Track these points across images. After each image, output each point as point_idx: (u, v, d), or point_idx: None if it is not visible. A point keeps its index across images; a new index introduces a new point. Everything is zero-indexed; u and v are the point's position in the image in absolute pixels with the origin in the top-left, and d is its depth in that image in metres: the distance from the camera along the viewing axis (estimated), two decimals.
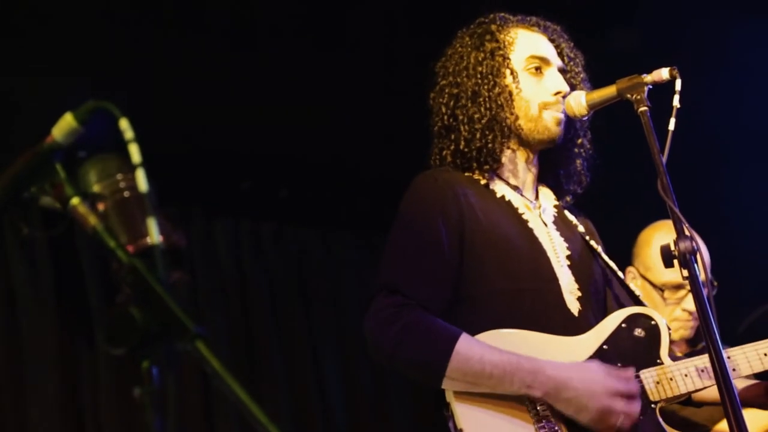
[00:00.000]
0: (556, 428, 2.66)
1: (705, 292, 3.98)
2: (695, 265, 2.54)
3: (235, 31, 4.73)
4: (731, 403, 2.44)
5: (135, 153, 1.76)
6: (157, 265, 1.74)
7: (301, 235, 5.66)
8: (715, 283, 3.99)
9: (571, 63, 3.07)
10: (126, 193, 1.85)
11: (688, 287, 3.86)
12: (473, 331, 2.71)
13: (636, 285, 4.02)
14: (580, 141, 3.07)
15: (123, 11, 4.43)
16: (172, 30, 4.55)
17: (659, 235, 3.94)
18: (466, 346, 2.64)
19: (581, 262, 2.97)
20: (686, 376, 2.79)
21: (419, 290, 2.73)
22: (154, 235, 1.75)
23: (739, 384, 2.98)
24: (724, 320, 2.98)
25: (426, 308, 2.71)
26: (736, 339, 3.04)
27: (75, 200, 1.80)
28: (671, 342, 3.91)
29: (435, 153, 3.02)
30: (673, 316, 3.93)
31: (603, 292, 3.03)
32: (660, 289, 3.95)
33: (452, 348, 2.63)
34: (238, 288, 5.38)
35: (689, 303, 3.85)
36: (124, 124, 1.78)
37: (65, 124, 1.83)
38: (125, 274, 1.71)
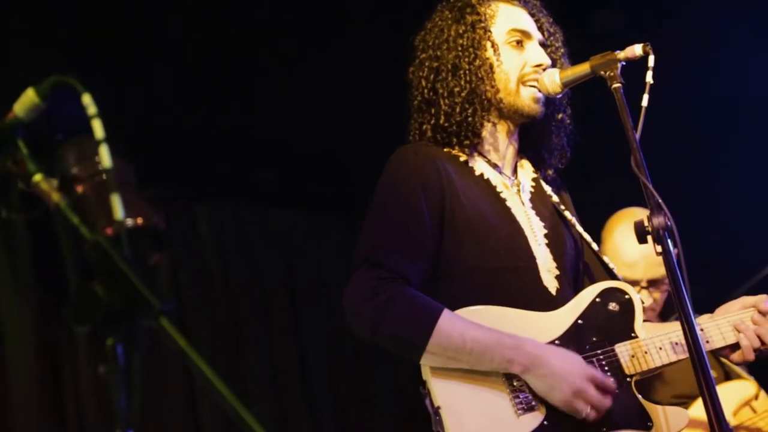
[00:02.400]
0: (533, 403, 2.67)
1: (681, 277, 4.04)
2: (669, 240, 2.54)
3: (218, 13, 4.70)
4: (705, 378, 2.45)
5: (98, 128, 1.74)
6: (123, 243, 1.72)
7: (285, 217, 5.64)
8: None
9: (551, 38, 3.07)
10: (105, 175, 1.83)
11: (642, 284, 3.94)
12: (452, 308, 2.71)
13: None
14: (560, 116, 3.06)
15: None
16: (156, 10, 4.52)
17: (621, 228, 3.98)
18: (448, 321, 2.65)
19: (558, 239, 2.97)
20: (660, 349, 2.80)
21: (400, 263, 2.72)
22: (118, 211, 1.72)
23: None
24: (703, 299, 2.99)
25: (407, 281, 2.71)
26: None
27: (37, 177, 1.78)
28: None
29: (415, 128, 3.00)
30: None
31: (579, 267, 3.04)
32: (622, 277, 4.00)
33: (434, 323, 2.63)
34: (221, 271, 5.36)
35: (643, 299, 3.90)
36: (86, 99, 1.75)
37: (27, 99, 1.81)
38: (89, 251, 1.69)
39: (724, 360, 4.00)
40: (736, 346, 2.89)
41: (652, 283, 4.07)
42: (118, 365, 1.66)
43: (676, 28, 5.27)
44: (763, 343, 2.84)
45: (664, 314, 3.95)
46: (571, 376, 2.64)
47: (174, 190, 5.20)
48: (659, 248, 2.55)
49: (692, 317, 2.48)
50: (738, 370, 4.05)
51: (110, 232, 1.79)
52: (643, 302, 2.89)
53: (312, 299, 5.59)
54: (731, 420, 3.87)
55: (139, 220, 1.86)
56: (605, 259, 3.05)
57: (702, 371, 2.45)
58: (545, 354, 2.66)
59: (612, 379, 2.72)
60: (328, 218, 5.78)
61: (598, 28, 4.99)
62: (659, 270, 4.03)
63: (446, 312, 2.66)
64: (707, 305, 3.12)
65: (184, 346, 1.61)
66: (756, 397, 3.96)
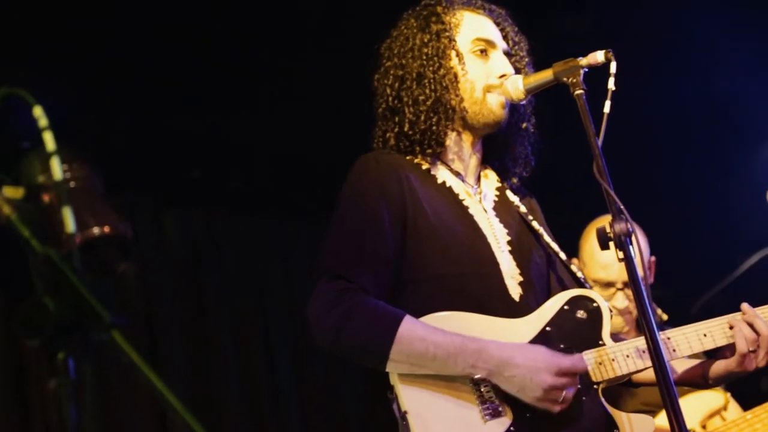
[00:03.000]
0: (500, 409, 2.67)
1: (649, 275, 4.07)
2: (631, 246, 2.55)
3: (188, 18, 4.68)
4: (666, 385, 2.47)
5: (49, 141, 1.72)
6: (74, 256, 1.70)
7: (254, 224, 5.63)
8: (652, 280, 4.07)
9: (516, 47, 3.08)
10: (72, 184, 1.84)
11: (617, 285, 3.97)
12: (416, 315, 2.70)
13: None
14: (524, 126, 3.07)
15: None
16: (126, 15, 4.50)
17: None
18: (410, 328, 2.64)
19: (522, 246, 2.98)
20: (628, 357, 2.80)
21: (361, 274, 2.72)
22: (69, 225, 1.71)
23: (682, 365, 3.02)
24: (673, 303, 3.02)
25: (368, 292, 2.70)
26: (690, 319, 3.06)
27: None
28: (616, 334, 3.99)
29: (378, 136, 3.00)
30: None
31: (546, 275, 3.04)
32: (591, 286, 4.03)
33: (395, 330, 2.63)
34: (191, 278, 5.35)
35: (618, 301, 3.94)
36: (38, 111, 1.74)
37: None
38: (39, 264, 1.68)
39: None
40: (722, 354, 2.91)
41: (628, 285, 4.08)
42: (69, 379, 1.64)
43: (645, 30, 5.30)
44: (756, 332, 2.82)
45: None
46: (538, 373, 2.64)
47: (142, 198, 5.19)
48: (621, 254, 2.55)
49: (654, 323, 2.49)
50: None
51: (77, 242, 1.78)
52: (611, 310, 2.90)
53: (282, 305, 5.58)
54: (699, 429, 3.91)
55: (107, 229, 1.86)
56: (573, 268, 3.05)
57: (663, 378, 2.46)
58: (510, 355, 2.65)
59: (576, 358, 2.72)
60: (297, 224, 5.77)
61: (564, 32, 5.02)
62: (641, 270, 4.04)
63: (407, 319, 2.65)
64: (677, 308, 3.13)
65: (135, 359, 1.59)
66: (725, 408, 3.99)
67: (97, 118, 4.78)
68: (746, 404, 3.99)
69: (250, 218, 5.62)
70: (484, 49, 2.99)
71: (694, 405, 3.97)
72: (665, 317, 4.19)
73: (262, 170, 5.50)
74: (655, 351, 2.48)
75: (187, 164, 5.32)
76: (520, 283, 2.89)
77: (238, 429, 5.24)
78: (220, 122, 5.08)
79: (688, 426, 3.80)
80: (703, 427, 3.94)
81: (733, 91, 5.65)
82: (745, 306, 2.88)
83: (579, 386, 2.72)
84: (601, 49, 2.81)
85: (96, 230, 1.79)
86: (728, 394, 4.04)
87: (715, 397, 4.01)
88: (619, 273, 4.02)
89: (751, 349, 2.82)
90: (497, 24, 3.06)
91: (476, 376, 2.66)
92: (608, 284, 3.98)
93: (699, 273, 5.96)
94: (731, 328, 2.86)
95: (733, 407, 4.02)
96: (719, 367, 2.91)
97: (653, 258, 4.25)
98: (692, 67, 5.48)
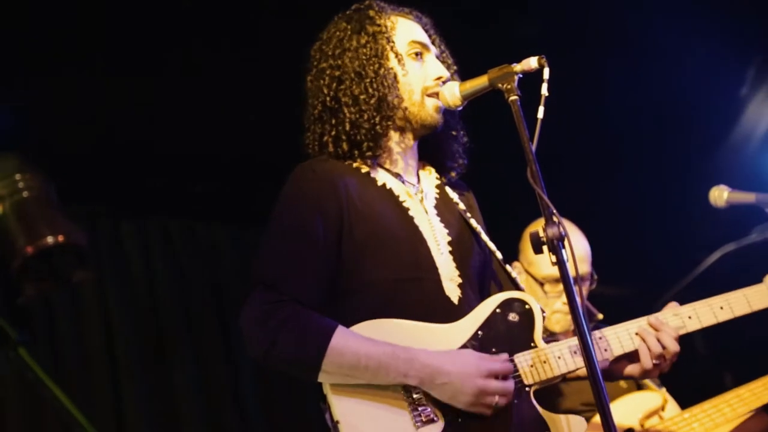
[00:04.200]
0: (432, 415, 2.69)
1: (586, 284, 4.11)
2: (563, 250, 2.57)
3: (135, 27, 4.64)
4: (597, 385, 2.49)
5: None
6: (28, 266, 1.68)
7: (212, 232, 5.59)
8: (596, 277, 4.10)
9: (444, 54, 3.13)
10: (25, 194, 1.82)
11: (560, 288, 4.01)
12: (353, 322, 2.73)
13: (521, 280, 4.14)
14: (454, 133, 3.12)
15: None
16: (80, 22, 4.45)
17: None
18: (341, 339, 2.66)
19: (462, 247, 3.00)
20: (559, 358, 2.83)
21: (294, 286, 2.73)
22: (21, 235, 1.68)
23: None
24: (634, 302, 3.03)
25: (302, 303, 2.71)
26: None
27: None
28: (557, 333, 4.02)
29: (313, 139, 3.00)
30: (554, 308, 4.04)
31: (484, 275, 3.07)
32: (541, 283, 4.09)
33: (327, 342, 2.64)
34: (148, 288, 5.30)
35: (561, 302, 3.96)
36: None
37: None
38: None
39: None
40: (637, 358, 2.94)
41: (578, 282, 4.10)
42: None
43: (600, 33, 5.34)
44: (664, 347, 2.88)
45: None
46: (469, 378, 2.67)
47: (98, 206, 5.14)
48: (554, 258, 2.57)
49: (585, 325, 2.51)
50: (647, 381, 4.14)
51: (30, 252, 1.75)
52: (544, 311, 2.92)
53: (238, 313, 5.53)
54: (638, 428, 3.95)
55: (61, 238, 1.83)
56: (508, 268, 3.08)
57: (594, 378, 2.48)
58: (439, 363, 2.68)
59: (505, 361, 2.75)
60: (256, 231, 5.73)
61: (517, 34, 5.04)
62: (582, 267, 4.10)
63: (339, 330, 2.67)
64: (639, 305, 3.15)
65: (41, 376, 1.56)
66: (663, 408, 4.04)
67: (53, 128, 4.72)
68: (697, 400, 4.05)
69: (209, 225, 5.57)
70: (420, 52, 3.03)
71: (633, 405, 4.04)
72: (600, 316, 4.23)
73: (220, 177, 5.45)
74: (586, 353, 2.50)
75: (144, 173, 5.25)
76: (459, 285, 2.92)
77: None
78: (175, 130, 5.03)
79: (629, 424, 3.88)
80: (642, 426, 3.98)
81: (690, 92, 5.70)
82: (654, 320, 2.92)
83: (513, 396, 2.75)
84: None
85: (50, 239, 1.77)
86: (666, 394, 4.10)
87: (653, 397, 4.09)
88: (570, 269, 4.05)
89: (655, 362, 2.89)
90: (426, 30, 3.11)
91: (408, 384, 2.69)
92: (558, 280, 3.99)
93: (660, 272, 6.02)
94: (641, 340, 2.91)
95: (671, 407, 4.08)
96: (621, 368, 2.96)
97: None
98: (649, 70, 5.52)
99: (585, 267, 4.15)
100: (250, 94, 4.96)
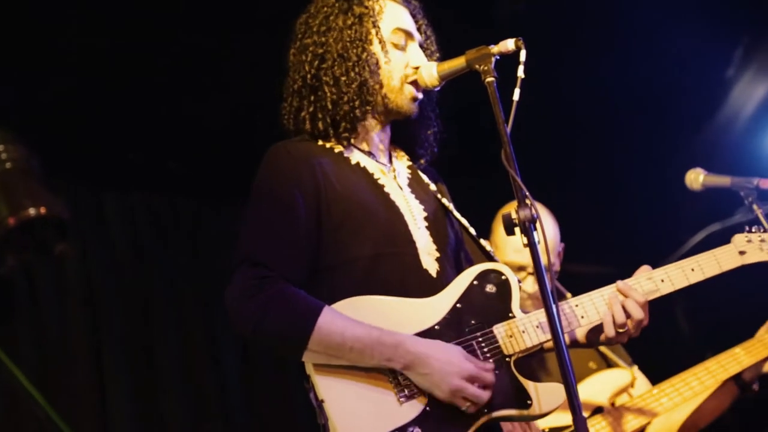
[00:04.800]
0: (416, 391, 2.72)
1: (548, 275, 4.15)
2: (535, 232, 2.60)
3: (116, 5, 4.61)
4: (562, 361, 2.53)
5: None
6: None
7: (195, 206, 5.57)
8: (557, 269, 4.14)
9: (428, 40, 3.14)
10: (8, 165, 1.81)
11: (529, 270, 4.03)
12: (334, 298, 2.76)
13: None
14: (429, 115, 3.14)
15: None
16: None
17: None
18: (329, 319, 2.68)
19: (437, 222, 3.03)
20: (538, 327, 2.86)
21: (280, 262, 2.75)
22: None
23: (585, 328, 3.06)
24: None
25: (287, 280, 2.74)
26: None
27: None
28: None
29: (289, 112, 3.02)
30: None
31: (460, 250, 3.10)
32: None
33: (314, 322, 2.66)
34: (131, 260, 5.31)
35: (529, 285, 4.02)
36: None
37: None
38: None
39: (604, 350, 4.13)
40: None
41: (551, 269, 4.15)
42: None
43: (585, 14, 5.34)
44: (629, 315, 2.89)
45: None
46: (449, 376, 2.69)
47: (81, 179, 5.12)
48: (525, 240, 2.60)
49: (553, 305, 2.55)
50: (617, 359, 4.17)
51: (12, 223, 1.75)
52: (522, 288, 2.97)
53: (223, 288, 5.52)
54: (608, 405, 3.99)
55: (43, 210, 1.82)
56: (482, 242, 3.11)
57: (559, 353, 2.53)
58: (425, 353, 2.70)
59: (490, 371, 2.76)
60: (238, 207, 5.72)
61: (502, 15, 5.04)
62: (546, 257, 4.11)
63: (326, 310, 2.70)
64: None
65: (17, 375, 1.56)
66: (632, 385, 4.08)
67: (37, 101, 4.70)
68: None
69: (191, 201, 5.55)
70: (403, 39, 3.04)
71: (602, 383, 4.08)
72: (569, 296, 4.26)
73: (204, 153, 5.43)
74: (553, 332, 2.54)
75: (127, 146, 5.23)
76: (437, 259, 2.94)
77: (180, 421, 5.19)
78: (160, 104, 5.01)
79: (598, 402, 3.91)
80: (612, 404, 4.02)
81: (676, 73, 5.72)
82: (622, 287, 2.94)
83: (494, 368, 2.77)
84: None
85: (32, 211, 1.77)
86: (636, 372, 4.13)
87: (623, 374, 4.13)
88: (528, 258, 4.09)
89: (619, 330, 2.90)
90: (413, 16, 3.12)
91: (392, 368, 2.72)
92: (520, 268, 4.05)
93: (645, 251, 6.04)
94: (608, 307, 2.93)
95: (641, 383, 4.12)
96: (597, 335, 2.99)
97: (562, 245, 4.31)
98: (635, 50, 5.53)
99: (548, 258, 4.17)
100: (234, 69, 4.94)
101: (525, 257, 4.01)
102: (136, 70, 4.87)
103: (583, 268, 5.00)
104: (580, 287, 4.21)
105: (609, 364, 4.21)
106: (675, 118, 6.00)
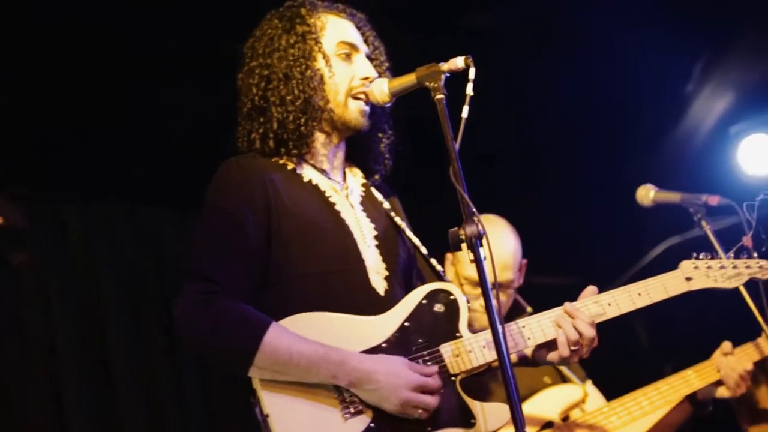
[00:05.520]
0: (361, 407, 2.74)
1: (510, 290, 4.16)
2: (481, 248, 2.62)
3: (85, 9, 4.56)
4: (506, 378, 2.54)
5: None
6: None
7: (155, 216, 5.52)
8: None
9: (376, 51, 3.17)
10: None
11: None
12: (282, 315, 2.76)
13: (451, 272, 4.18)
14: (384, 127, 3.17)
15: None
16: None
17: None
18: (275, 336, 2.69)
19: (388, 241, 3.06)
20: (484, 347, 2.88)
21: (227, 277, 2.76)
22: None
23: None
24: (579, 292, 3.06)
25: (234, 294, 2.74)
26: None
27: None
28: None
29: (243, 135, 3.05)
30: (473, 308, 4.05)
31: (410, 269, 3.12)
32: (461, 282, 4.11)
33: (261, 338, 2.67)
34: (89, 272, 5.24)
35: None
36: None
37: None
38: None
39: (559, 366, 4.15)
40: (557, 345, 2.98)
41: (500, 286, 4.15)
42: None
43: (549, 28, 5.36)
44: (580, 334, 2.91)
45: (509, 317, 4.03)
46: (396, 389, 2.72)
47: (39, 189, 5.05)
48: (471, 256, 2.62)
49: (497, 321, 2.57)
50: (570, 375, 4.19)
51: None
52: (469, 302, 2.97)
53: None
54: (559, 421, 4.00)
55: (0, 220, 1.78)
56: (433, 261, 3.13)
57: (504, 371, 2.54)
58: (371, 369, 2.72)
59: (434, 374, 2.79)
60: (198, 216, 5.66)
61: (470, 27, 5.05)
62: (504, 274, 4.14)
63: (273, 326, 2.71)
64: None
65: None
66: (584, 401, 4.10)
67: None
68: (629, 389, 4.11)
69: (150, 209, 5.49)
70: (348, 52, 3.07)
71: (554, 398, 4.10)
72: (530, 309, 4.28)
73: (160, 160, 5.37)
74: (498, 348, 2.56)
75: (86, 155, 5.16)
76: (386, 278, 2.97)
77: (136, 426, 5.13)
78: (121, 113, 4.96)
79: (549, 417, 3.93)
80: (564, 419, 4.03)
81: (637, 87, 5.75)
82: (569, 308, 2.96)
83: (442, 391, 2.80)
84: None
85: None
86: (589, 387, 4.15)
87: (574, 390, 4.15)
88: (491, 273, 4.09)
89: (572, 348, 2.92)
90: (359, 28, 3.15)
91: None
92: (478, 284, 4.03)
93: (606, 263, 6.06)
94: (558, 327, 2.94)
95: (594, 399, 4.13)
96: (544, 354, 3.00)
97: (524, 261, 4.32)
98: (597, 65, 5.55)
99: (509, 274, 4.19)
100: (195, 78, 4.90)
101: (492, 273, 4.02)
102: (95, 77, 4.81)
103: (544, 279, 5.01)
104: (542, 300, 4.24)
105: (563, 379, 4.22)
106: (635, 133, 6.03)
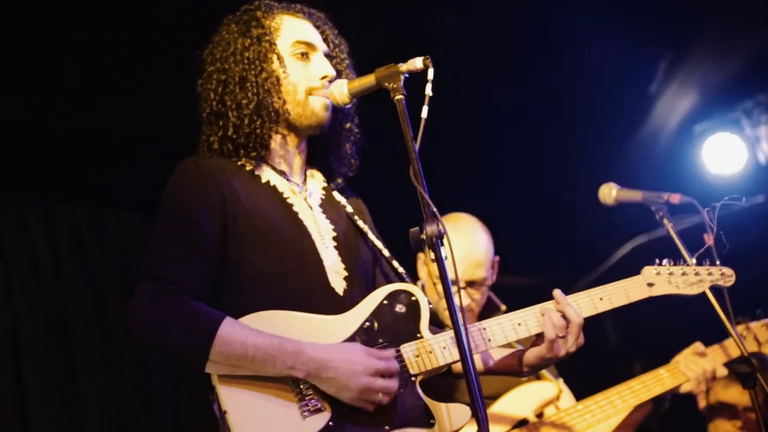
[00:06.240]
0: (319, 405, 2.73)
1: (483, 288, 4.17)
2: (442, 247, 2.61)
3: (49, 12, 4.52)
4: (468, 377, 2.53)
5: None
6: None
7: (121, 218, 5.47)
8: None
9: (336, 49, 3.18)
10: None
11: (461, 285, 4.08)
12: (240, 314, 2.75)
13: (424, 271, 4.17)
14: (348, 126, 3.17)
15: None
16: None
17: None
18: (229, 330, 2.68)
19: (348, 242, 3.06)
20: (444, 348, 2.87)
21: (181, 276, 2.75)
22: None
23: (500, 354, 3.10)
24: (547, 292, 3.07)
25: (188, 292, 2.73)
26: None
27: None
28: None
29: (203, 140, 3.06)
30: (444, 306, 4.06)
31: (372, 271, 3.12)
32: (434, 282, 4.12)
33: (215, 333, 2.66)
34: (55, 274, 5.19)
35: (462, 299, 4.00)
36: None
37: None
38: None
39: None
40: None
41: (471, 284, 4.19)
42: None
43: (512, 27, 5.38)
44: (568, 320, 2.90)
45: (484, 315, 4.03)
46: (354, 376, 2.70)
47: (4, 192, 4.99)
48: (432, 255, 2.61)
49: (459, 320, 2.55)
50: (544, 372, 4.20)
51: None
52: (430, 303, 2.96)
53: None
54: (533, 418, 4.01)
55: None
56: (395, 264, 3.13)
57: (466, 369, 2.53)
58: (327, 358, 2.71)
59: (391, 358, 2.78)
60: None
61: (431, 26, 5.05)
62: (477, 272, 4.14)
63: (227, 321, 2.69)
64: (550, 297, 3.18)
65: None
66: (558, 398, 4.11)
67: None
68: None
69: (116, 212, 5.45)
70: (305, 51, 3.08)
71: (528, 395, 4.11)
72: (504, 308, 4.28)
73: (127, 163, 5.33)
74: (460, 346, 2.54)
75: (50, 158, 5.11)
76: (345, 278, 2.97)
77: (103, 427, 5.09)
78: (82, 115, 4.91)
79: (523, 415, 3.93)
80: (538, 415, 4.04)
81: (602, 87, 5.78)
82: (557, 294, 2.97)
83: (399, 386, 2.79)
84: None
85: None
86: (561, 384, 4.16)
87: (549, 387, 4.15)
88: (463, 272, 4.14)
89: (560, 335, 2.91)
90: (317, 27, 3.15)
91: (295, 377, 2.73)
92: (452, 283, 4.03)
93: (573, 262, 6.09)
94: (543, 315, 2.94)
95: (566, 397, 4.15)
96: (532, 354, 2.98)
97: (497, 258, 4.33)
98: (562, 65, 5.57)
99: (482, 272, 4.19)
100: (158, 81, 4.87)
101: (458, 271, 4.01)
102: (60, 81, 4.77)
103: (511, 280, 5.01)
104: (509, 300, 4.25)
105: (538, 376, 4.23)
106: (601, 133, 6.06)
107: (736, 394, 4.44)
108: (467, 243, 4.21)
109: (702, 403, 4.38)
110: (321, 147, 3.17)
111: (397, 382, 2.77)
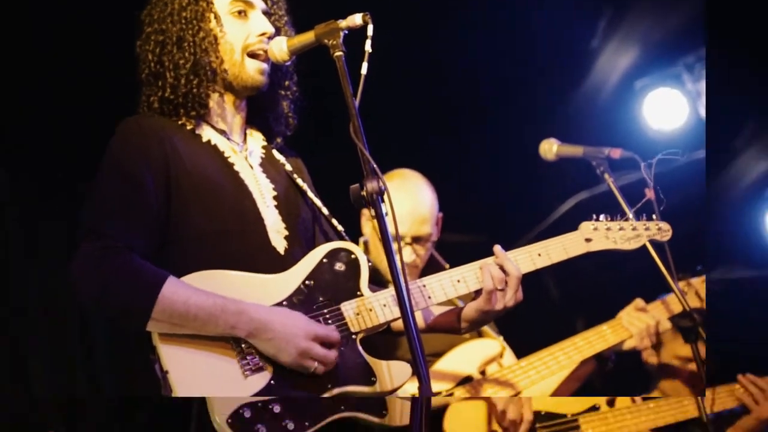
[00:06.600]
0: (261, 364, 2.75)
1: (428, 244, 4.17)
2: (382, 204, 2.63)
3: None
4: (410, 333, 2.55)
5: None
6: None
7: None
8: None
9: (275, 6, 3.17)
10: None
11: (406, 240, 4.12)
12: (181, 273, 2.76)
13: (368, 227, 4.17)
14: (287, 84, 3.18)
15: None
16: None
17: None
18: (172, 288, 2.69)
19: (288, 201, 3.07)
20: (385, 306, 2.91)
21: (124, 234, 2.75)
22: None
23: (438, 311, 3.13)
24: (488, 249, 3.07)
25: (132, 250, 2.73)
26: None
27: None
28: None
29: (143, 101, 3.05)
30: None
31: (311, 229, 3.14)
32: (379, 238, 4.10)
33: (158, 291, 2.67)
34: None
35: (405, 255, 4.11)
36: None
37: None
38: None
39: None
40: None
41: (416, 240, 4.20)
42: None
43: None
44: (507, 273, 2.94)
45: (426, 272, 4.03)
46: (294, 338, 2.73)
47: None
48: (373, 212, 2.63)
49: (401, 276, 2.57)
50: (487, 329, 4.22)
51: None
52: (370, 261, 2.99)
53: None
54: (477, 375, 4.03)
55: None
56: (334, 222, 3.15)
57: (407, 326, 2.54)
58: (268, 318, 2.74)
59: (334, 331, 2.81)
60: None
61: None
62: (422, 228, 4.15)
63: (171, 279, 2.70)
64: (491, 254, 3.17)
65: None
66: (501, 355, 4.13)
67: None
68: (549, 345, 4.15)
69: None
70: (243, 9, 3.08)
71: (471, 352, 4.13)
72: (447, 266, 4.29)
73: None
74: (401, 303, 2.56)
75: None
76: (286, 237, 2.99)
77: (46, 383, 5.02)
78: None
79: (467, 372, 3.96)
80: (482, 373, 4.06)
81: (543, 42, 5.76)
82: (497, 249, 3.00)
83: (342, 348, 2.82)
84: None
85: None
86: (503, 342, 4.19)
87: (492, 344, 4.19)
88: (409, 227, 4.15)
89: (498, 287, 2.94)
90: None
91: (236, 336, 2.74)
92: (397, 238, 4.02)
93: (516, 219, 6.11)
94: (482, 270, 2.97)
95: (509, 354, 4.18)
96: (470, 308, 3.02)
97: (441, 214, 4.33)
98: (502, 20, 5.55)
99: (427, 228, 4.19)
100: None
101: (401, 228, 4.00)
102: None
103: (453, 237, 5.01)
104: (451, 257, 4.24)
105: (480, 334, 4.24)
106: (542, 89, 6.05)
107: (682, 350, 4.50)
108: (412, 199, 4.21)
109: (649, 360, 4.42)
110: (259, 106, 3.17)
111: (336, 353, 2.79)
